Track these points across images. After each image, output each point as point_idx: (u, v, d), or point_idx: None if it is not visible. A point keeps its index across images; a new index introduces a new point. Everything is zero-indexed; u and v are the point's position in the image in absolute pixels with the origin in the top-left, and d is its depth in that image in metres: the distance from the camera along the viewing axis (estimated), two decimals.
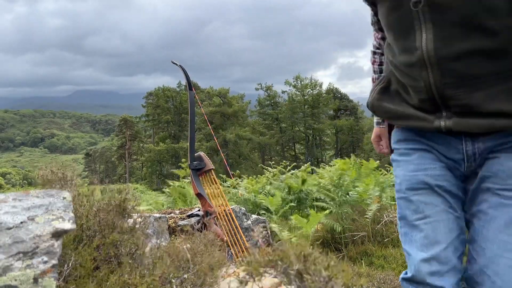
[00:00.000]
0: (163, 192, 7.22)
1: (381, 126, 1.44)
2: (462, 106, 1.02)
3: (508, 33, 0.96)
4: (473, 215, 1.10)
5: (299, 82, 42.78)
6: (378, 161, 5.43)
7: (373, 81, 1.41)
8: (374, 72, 1.43)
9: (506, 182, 1.01)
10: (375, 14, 1.29)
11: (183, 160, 7.36)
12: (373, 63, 1.43)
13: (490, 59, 0.98)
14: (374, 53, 1.43)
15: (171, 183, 6.39)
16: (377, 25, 1.35)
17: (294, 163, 7.71)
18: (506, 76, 0.98)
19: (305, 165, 6.64)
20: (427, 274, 1.08)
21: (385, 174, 5.96)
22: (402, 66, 1.12)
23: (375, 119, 1.45)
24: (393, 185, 5.48)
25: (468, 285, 1.11)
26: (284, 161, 7.91)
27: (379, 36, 1.37)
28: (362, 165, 5.27)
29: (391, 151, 1.30)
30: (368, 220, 3.66)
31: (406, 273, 1.17)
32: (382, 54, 1.39)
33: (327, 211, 3.89)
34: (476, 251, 1.07)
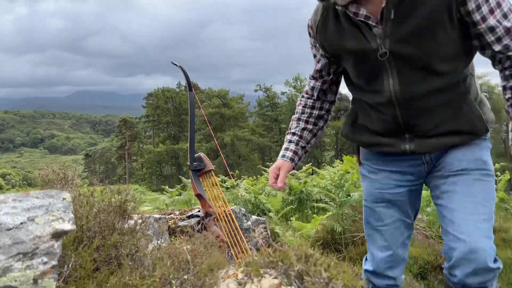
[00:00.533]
0: (164, 193, 7.23)
1: (285, 159, 1.60)
2: (422, 131, 1.34)
3: (455, 73, 1.28)
4: (438, 198, 1.39)
5: (299, 83, 42.79)
6: None
7: (297, 121, 1.62)
8: (296, 112, 1.64)
9: (454, 167, 1.34)
10: (330, 64, 1.51)
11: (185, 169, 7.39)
12: (298, 105, 1.64)
13: (442, 94, 1.28)
14: (302, 97, 1.64)
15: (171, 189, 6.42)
16: (321, 73, 1.56)
17: None
18: (453, 104, 1.31)
19: (306, 165, 6.64)
20: (385, 268, 1.48)
21: None
22: (371, 103, 1.39)
23: (282, 151, 1.62)
24: None
25: (448, 258, 1.34)
26: None
27: (318, 82, 1.58)
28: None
29: (360, 163, 1.58)
30: None
31: (368, 265, 1.54)
32: (308, 98, 1.62)
33: (330, 213, 3.87)
34: (447, 224, 1.33)
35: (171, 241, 1.88)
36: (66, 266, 1.06)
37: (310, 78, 1.63)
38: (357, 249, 3.56)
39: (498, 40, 1.21)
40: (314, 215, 3.77)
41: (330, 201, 3.93)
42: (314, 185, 5.38)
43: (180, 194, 6.68)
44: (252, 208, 5.11)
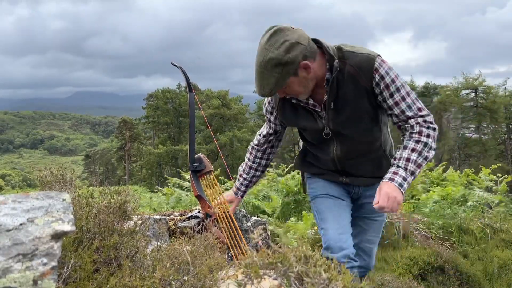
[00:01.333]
0: (164, 194, 7.22)
1: (237, 196, 2.24)
2: (352, 173, 1.93)
3: (376, 140, 1.85)
4: (360, 221, 2.05)
5: None
6: None
7: (249, 169, 2.21)
8: (249, 160, 2.19)
9: (374, 215, 2.02)
10: (283, 127, 2.07)
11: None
12: (250, 154, 2.19)
13: (368, 155, 1.89)
14: (253, 148, 2.17)
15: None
16: (272, 134, 2.10)
17: (292, 165, 7.69)
18: (375, 161, 1.90)
19: None
20: (340, 241, 1.81)
21: None
22: (319, 156, 1.96)
23: (234, 188, 2.23)
24: None
25: (353, 258, 1.85)
26: (282, 164, 7.89)
27: (268, 139, 2.12)
28: None
29: (304, 184, 2.18)
30: None
31: (326, 248, 1.83)
32: (258, 151, 2.16)
33: None
34: (361, 240, 2.04)
35: (171, 242, 1.88)
36: (66, 267, 1.06)
37: (260, 135, 2.12)
38: None
39: (402, 121, 1.76)
40: (304, 213, 3.77)
41: None
42: None
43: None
44: (252, 209, 5.11)
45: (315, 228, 3.88)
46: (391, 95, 1.70)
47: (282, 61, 1.57)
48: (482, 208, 4.77)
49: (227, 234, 2.20)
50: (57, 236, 0.93)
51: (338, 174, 1.94)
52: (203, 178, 2.43)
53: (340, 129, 1.78)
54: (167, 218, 2.68)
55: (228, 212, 2.26)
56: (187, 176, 7.19)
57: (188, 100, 2.47)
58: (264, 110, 2.02)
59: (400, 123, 1.76)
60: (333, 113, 1.75)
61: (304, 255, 0.64)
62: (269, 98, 1.92)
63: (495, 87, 31.66)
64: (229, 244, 2.20)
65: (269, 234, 2.79)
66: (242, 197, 2.24)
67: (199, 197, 2.36)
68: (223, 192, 2.37)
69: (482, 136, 32.09)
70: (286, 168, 7.19)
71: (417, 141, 1.70)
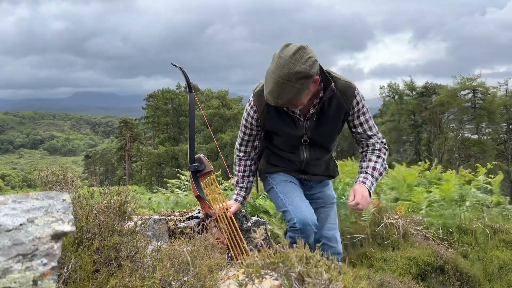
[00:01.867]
0: (163, 194, 7.21)
1: (237, 202, 2.40)
2: (310, 172, 2.27)
3: (333, 148, 2.30)
4: (321, 208, 2.36)
5: None
6: None
7: (242, 178, 2.40)
8: (240, 171, 2.39)
9: (327, 201, 2.38)
10: (260, 133, 2.27)
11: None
12: (239, 165, 2.39)
13: (326, 158, 2.28)
14: (241, 159, 2.38)
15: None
16: (252, 144, 2.32)
17: None
18: (328, 162, 2.32)
19: None
20: (309, 219, 2.03)
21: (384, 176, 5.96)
22: (286, 157, 2.24)
23: (235, 196, 2.41)
24: (392, 188, 5.47)
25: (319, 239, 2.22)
26: None
27: (250, 148, 2.33)
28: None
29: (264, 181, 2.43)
30: (366, 222, 3.66)
31: (292, 227, 2.05)
32: (247, 160, 2.37)
33: None
34: (323, 225, 2.33)
35: (171, 242, 1.87)
36: (65, 268, 1.06)
37: (242, 147, 2.32)
38: (357, 251, 3.56)
39: (364, 138, 2.20)
40: None
41: None
42: None
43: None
44: (251, 210, 5.11)
45: None
46: (360, 116, 2.14)
47: (307, 75, 1.79)
48: (481, 208, 4.76)
49: (227, 235, 2.20)
50: (57, 236, 0.92)
51: (299, 173, 2.28)
52: (203, 178, 2.42)
53: (316, 138, 2.15)
54: (167, 218, 2.68)
55: (228, 212, 2.26)
56: (184, 177, 7.19)
57: (188, 101, 2.46)
58: (248, 118, 2.19)
59: (362, 140, 2.21)
60: (314, 125, 2.11)
61: (306, 255, 0.64)
62: (253, 106, 2.15)
63: (496, 87, 31.65)
64: (229, 244, 2.19)
65: (269, 234, 2.79)
66: (243, 203, 2.41)
67: (199, 198, 2.35)
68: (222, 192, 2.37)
69: (481, 136, 32.09)
70: None
71: (378, 156, 2.18)
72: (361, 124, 2.16)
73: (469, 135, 32.93)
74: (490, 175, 5.10)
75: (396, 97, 39.27)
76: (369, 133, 2.17)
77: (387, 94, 40.60)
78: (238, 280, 0.69)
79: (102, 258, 1.18)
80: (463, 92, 32.04)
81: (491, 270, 3.43)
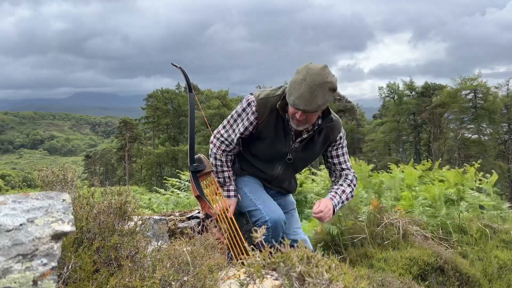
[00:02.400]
0: (163, 195, 7.21)
1: (234, 197, 2.39)
2: (276, 185, 2.44)
3: (302, 168, 2.59)
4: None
5: None
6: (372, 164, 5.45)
7: (228, 172, 2.38)
8: (222, 166, 2.37)
9: (289, 207, 2.55)
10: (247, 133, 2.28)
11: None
12: (222, 161, 2.36)
13: (293, 177, 2.53)
14: (222, 155, 2.35)
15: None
16: (238, 141, 2.31)
17: None
18: (291, 180, 2.52)
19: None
20: (281, 218, 2.18)
21: (383, 176, 5.96)
22: (259, 168, 2.37)
23: (229, 193, 2.38)
24: (390, 189, 5.46)
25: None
26: None
27: (233, 145, 2.32)
28: (361, 166, 5.26)
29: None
30: (363, 223, 3.66)
31: (267, 217, 2.17)
32: (227, 155, 2.37)
33: None
34: (289, 230, 2.46)
35: (171, 242, 1.87)
36: (65, 268, 1.06)
37: (227, 142, 2.31)
38: (357, 250, 3.55)
39: (339, 169, 2.42)
40: (308, 214, 3.77)
41: None
42: (313, 185, 5.38)
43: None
44: None
45: (317, 228, 3.87)
46: (339, 149, 2.38)
47: (335, 87, 2.01)
48: (480, 210, 4.76)
49: (227, 235, 2.19)
50: (57, 236, 0.92)
51: (267, 183, 2.43)
52: (203, 178, 2.42)
53: (296, 161, 2.33)
54: (167, 218, 2.68)
55: (228, 212, 2.26)
56: (184, 177, 7.18)
57: (188, 101, 2.46)
58: (245, 116, 2.22)
59: (336, 170, 2.43)
60: (301, 148, 2.29)
61: (306, 255, 0.64)
62: (254, 109, 2.19)
63: (496, 87, 31.65)
64: (229, 244, 2.19)
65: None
66: (236, 196, 2.40)
67: (199, 198, 2.35)
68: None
69: (482, 136, 32.09)
70: None
71: (349, 185, 2.39)
72: (338, 156, 2.40)
73: (470, 136, 32.93)
74: (487, 175, 5.10)
75: (396, 97, 39.26)
76: (344, 166, 2.41)
77: (386, 94, 40.58)
78: (240, 280, 0.69)
79: (102, 258, 1.18)
80: (464, 92, 32.04)
81: (490, 270, 3.43)
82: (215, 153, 2.35)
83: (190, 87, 2.50)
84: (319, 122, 2.18)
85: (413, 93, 39.13)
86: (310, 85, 1.92)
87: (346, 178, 2.40)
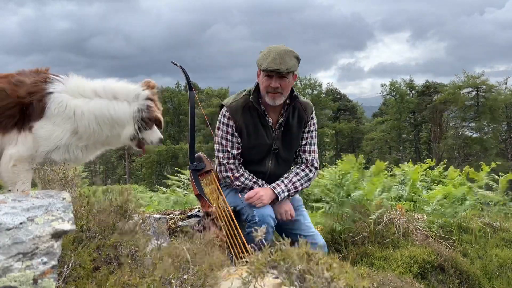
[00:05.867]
0: (164, 193, 7.21)
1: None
2: (272, 181, 2.43)
3: (292, 163, 2.57)
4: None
5: (297, 82, 42.65)
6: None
7: (252, 181, 2.44)
8: (246, 179, 2.44)
9: (294, 204, 2.54)
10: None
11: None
12: (242, 172, 2.44)
13: (286, 169, 2.51)
14: (237, 167, 2.44)
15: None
16: (237, 153, 2.43)
17: None
18: (285, 170, 2.51)
19: None
20: (268, 212, 2.26)
21: (388, 175, 5.96)
22: (255, 171, 2.45)
23: (266, 184, 2.46)
24: (389, 188, 5.45)
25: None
26: None
27: (237, 159, 2.44)
28: (365, 164, 5.25)
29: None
30: (371, 221, 3.66)
31: (251, 220, 2.25)
32: (243, 170, 2.45)
33: (322, 210, 3.91)
34: (300, 227, 2.52)
35: (171, 241, 1.87)
36: (66, 266, 1.06)
37: (232, 160, 2.39)
38: (357, 249, 3.55)
39: (303, 154, 2.52)
40: (308, 211, 3.77)
41: (330, 201, 3.92)
42: (316, 184, 5.37)
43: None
44: None
45: (317, 227, 3.87)
46: (310, 132, 2.51)
47: (299, 58, 2.31)
48: (481, 206, 4.75)
49: (227, 233, 2.19)
50: (57, 235, 0.92)
51: (265, 182, 2.42)
52: (203, 177, 2.42)
53: (282, 148, 2.43)
54: (167, 217, 2.68)
55: (228, 211, 2.26)
56: (183, 176, 7.18)
57: (188, 99, 2.46)
58: (224, 129, 2.39)
59: (302, 154, 2.51)
60: (281, 134, 2.42)
61: (307, 253, 0.64)
62: (228, 115, 2.39)
63: (497, 85, 31.62)
64: (229, 243, 2.19)
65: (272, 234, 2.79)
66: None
67: (199, 196, 2.35)
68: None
69: (483, 135, 32.07)
70: None
71: (303, 170, 2.47)
72: (306, 138, 2.51)
73: (470, 134, 32.91)
74: (492, 174, 5.09)
75: (397, 95, 39.23)
76: (307, 148, 2.51)
77: (388, 92, 40.54)
78: (242, 278, 0.69)
79: (102, 256, 1.18)
80: (465, 90, 31.99)
81: (490, 268, 3.44)
82: (231, 176, 2.40)
83: (190, 85, 2.50)
84: (288, 101, 2.39)
85: (413, 91, 39.11)
86: (277, 52, 2.24)
87: (301, 165, 2.49)
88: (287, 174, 2.45)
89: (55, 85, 2.05)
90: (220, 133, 2.41)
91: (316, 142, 2.56)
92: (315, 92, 42.55)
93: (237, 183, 2.40)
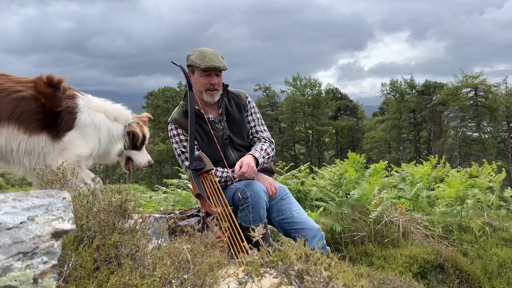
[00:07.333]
0: (164, 192, 7.21)
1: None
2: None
3: (246, 141, 2.68)
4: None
5: (297, 82, 42.59)
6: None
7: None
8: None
9: (280, 192, 2.63)
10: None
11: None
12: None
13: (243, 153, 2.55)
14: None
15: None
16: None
17: (292, 163, 7.66)
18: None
19: (304, 165, 6.62)
20: (258, 185, 2.42)
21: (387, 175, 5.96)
22: (226, 166, 2.51)
23: (226, 173, 2.57)
24: (388, 186, 5.46)
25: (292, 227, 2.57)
26: (280, 161, 7.85)
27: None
28: (363, 164, 5.26)
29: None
30: (371, 220, 3.66)
31: (243, 197, 2.36)
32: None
33: (321, 209, 3.91)
34: (290, 214, 2.59)
35: (171, 240, 1.88)
36: (66, 266, 1.06)
37: (189, 161, 2.44)
38: (357, 248, 3.56)
39: (257, 133, 2.68)
40: (309, 211, 3.77)
41: (329, 200, 3.93)
42: (313, 184, 5.38)
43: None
44: None
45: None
46: (253, 114, 2.70)
47: (222, 57, 2.57)
48: (481, 206, 4.76)
49: (227, 233, 2.19)
50: (57, 234, 0.93)
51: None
52: (203, 176, 2.42)
53: (233, 135, 2.58)
54: (167, 216, 2.68)
55: (228, 211, 2.26)
56: (184, 176, 7.17)
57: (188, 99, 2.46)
58: (177, 139, 2.58)
59: (255, 139, 2.66)
60: (227, 124, 2.60)
61: (305, 253, 0.64)
62: (174, 126, 2.61)
63: (496, 85, 31.60)
64: (229, 242, 2.20)
65: (269, 232, 2.79)
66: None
67: (199, 196, 2.35)
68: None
69: (482, 134, 32.06)
70: (286, 166, 7.15)
71: (265, 143, 2.61)
72: (253, 120, 2.69)
73: (470, 134, 32.90)
74: (491, 174, 5.09)
75: (397, 95, 39.21)
76: (259, 129, 2.68)
77: (388, 91, 40.52)
78: (238, 278, 0.69)
79: (102, 256, 1.19)
80: (464, 90, 31.99)
81: (490, 268, 3.44)
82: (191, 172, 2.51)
83: (190, 85, 2.50)
84: (221, 92, 2.59)
85: (413, 91, 39.09)
86: (210, 52, 2.48)
87: (266, 142, 2.64)
88: (256, 145, 2.59)
89: (81, 100, 2.35)
90: (176, 145, 2.59)
91: (263, 122, 2.73)
92: (315, 91, 42.46)
93: (217, 179, 2.48)
